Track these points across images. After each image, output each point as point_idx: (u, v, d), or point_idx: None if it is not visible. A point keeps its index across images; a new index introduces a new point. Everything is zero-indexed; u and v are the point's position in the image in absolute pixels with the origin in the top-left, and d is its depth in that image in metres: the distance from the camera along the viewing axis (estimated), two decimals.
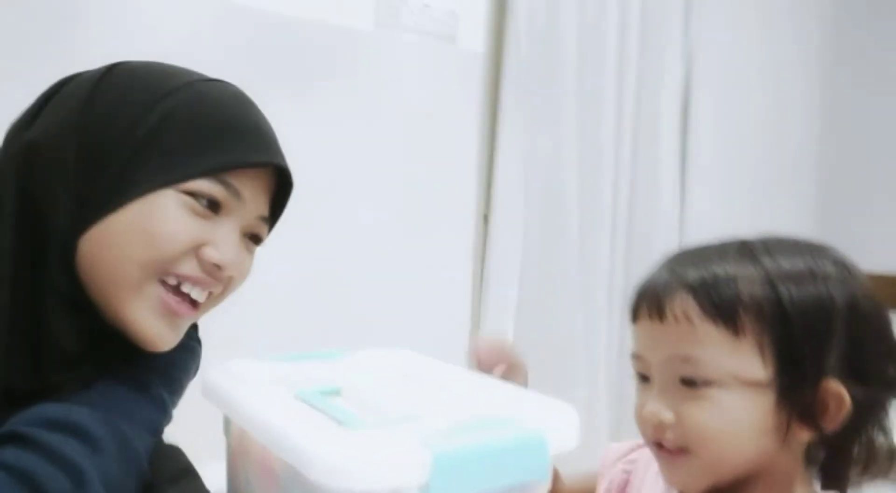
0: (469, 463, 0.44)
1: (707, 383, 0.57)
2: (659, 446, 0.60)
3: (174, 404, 0.66)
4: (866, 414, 0.58)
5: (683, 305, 0.58)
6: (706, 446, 0.57)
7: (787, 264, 0.58)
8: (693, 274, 0.59)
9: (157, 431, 0.62)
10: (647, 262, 2.01)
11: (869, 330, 0.58)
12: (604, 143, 1.94)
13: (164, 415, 0.63)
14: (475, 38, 1.84)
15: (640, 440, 0.67)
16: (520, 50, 1.83)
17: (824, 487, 0.61)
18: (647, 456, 0.70)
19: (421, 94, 1.76)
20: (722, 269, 0.58)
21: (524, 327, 1.77)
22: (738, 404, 0.56)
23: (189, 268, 0.59)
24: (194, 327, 0.71)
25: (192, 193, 0.58)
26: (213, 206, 0.60)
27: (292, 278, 1.57)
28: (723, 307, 0.57)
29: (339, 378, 0.60)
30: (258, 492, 0.55)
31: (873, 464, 0.59)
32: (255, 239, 0.67)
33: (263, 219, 0.66)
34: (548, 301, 1.82)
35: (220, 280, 0.62)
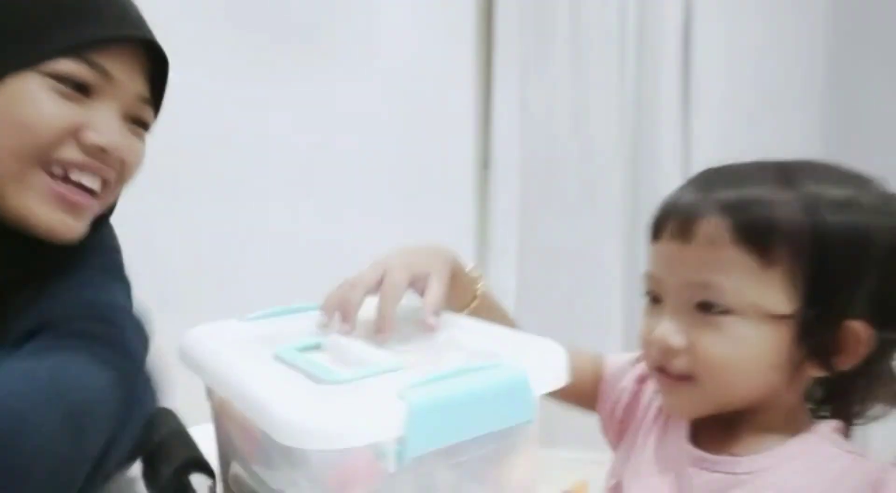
0: (446, 412, 0.42)
1: (725, 311, 0.53)
2: (662, 370, 0.58)
3: None
4: (881, 355, 0.54)
5: (713, 226, 0.53)
6: (714, 375, 0.55)
7: (830, 192, 0.53)
8: (727, 195, 0.54)
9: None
10: (651, 198, 1.97)
11: None
12: (602, 81, 1.88)
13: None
14: None
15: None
16: None
17: (832, 417, 0.58)
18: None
19: (413, 37, 1.71)
20: (760, 191, 0.53)
21: (528, 272, 1.75)
22: (754, 337, 0.53)
23: (71, 153, 0.57)
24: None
25: (56, 76, 0.56)
26: (83, 88, 0.57)
27: (289, 232, 1.55)
28: (756, 233, 0.52)
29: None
30: (242, 454, 0.54)
31: (875, 397, 0.57)
32: (141, 124, 0.64)
33: (144, 100, 0.63)
34: (551, 246, 1.79)
35: (108, 164, 0.60)
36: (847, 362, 0.54)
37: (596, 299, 1.82)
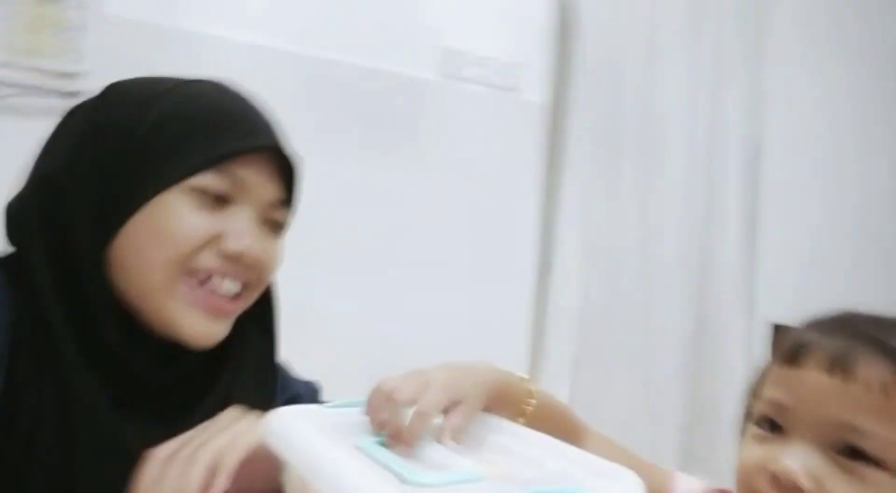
0: None
1: (876, 463, 0.49)
2: None
3: None
4: None
5: (881, 372, 0.50)
6: None
7: None
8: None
9: None
10: (716, 322, 1.91)
11: None
12: (667, 199, 1.91)
13: None
14: (538, 88, 1.86)
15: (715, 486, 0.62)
16: (583, 101, 1.83)
17: None
18: None
19: (482, 143, 1.78)
20: None
21: (583, 384, 1.73)
22: None
23: (211, 261, 0.61)
24: None
25: (197, 190, 0.60)
26: (221, 197, 0.61)
27: (345, 320, 1.58)
28: None
29: None
30: None
31: None
32: (276, 226, 0.67)
33: (278, 203, 0.66)
34: (608, 358, 1.77)
35: (247, 269, 0.63)
36: None
37: (652, 416, 1.79)
